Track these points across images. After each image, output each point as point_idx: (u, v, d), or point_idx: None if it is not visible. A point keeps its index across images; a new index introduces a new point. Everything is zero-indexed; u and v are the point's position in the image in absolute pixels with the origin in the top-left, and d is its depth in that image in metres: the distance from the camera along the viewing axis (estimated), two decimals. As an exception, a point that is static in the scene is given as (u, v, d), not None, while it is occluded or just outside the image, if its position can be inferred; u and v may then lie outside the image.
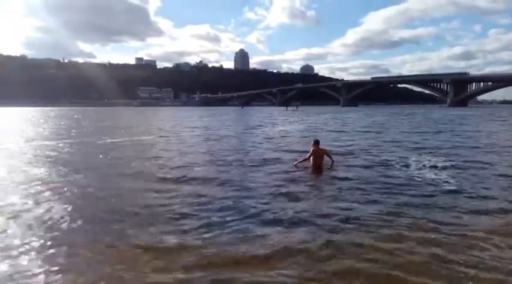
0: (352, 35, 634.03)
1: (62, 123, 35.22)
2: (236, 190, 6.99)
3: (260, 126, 29.02)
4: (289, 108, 79.03)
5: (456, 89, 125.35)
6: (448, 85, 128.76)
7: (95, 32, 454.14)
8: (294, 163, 9.34)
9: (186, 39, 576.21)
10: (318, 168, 8.87)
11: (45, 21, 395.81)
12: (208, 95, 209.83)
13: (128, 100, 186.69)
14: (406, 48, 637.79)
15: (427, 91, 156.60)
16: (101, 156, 11.88)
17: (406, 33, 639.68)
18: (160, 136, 19.39)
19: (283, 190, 6.97)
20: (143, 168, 9.58)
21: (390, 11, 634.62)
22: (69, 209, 5.80)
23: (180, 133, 22.25)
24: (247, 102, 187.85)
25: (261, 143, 15.74)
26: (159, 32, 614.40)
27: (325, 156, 9.29)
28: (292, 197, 6.48)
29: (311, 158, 9.06)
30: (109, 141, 16.79)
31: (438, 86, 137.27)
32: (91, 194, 6.85)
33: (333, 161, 9.35)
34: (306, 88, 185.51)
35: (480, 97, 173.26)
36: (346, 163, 9.95)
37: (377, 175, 8.39)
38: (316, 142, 9.14)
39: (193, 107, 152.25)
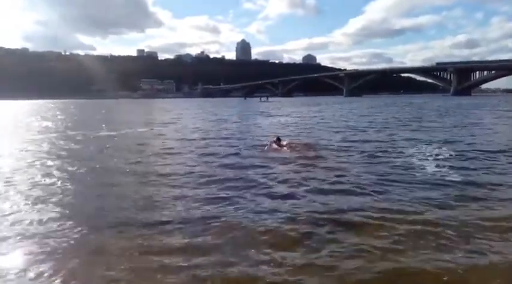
0: (353, 24, 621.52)
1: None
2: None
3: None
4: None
5: (459, 78, 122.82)
6: (452, 74, 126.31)
7: (94, 24, 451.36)
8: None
9: (186, 30, 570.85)
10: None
11: (44, 14, 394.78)
12: (210, 86, 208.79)
13: (129, 92, 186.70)
14: (409, 36, 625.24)
15: (430, 80, 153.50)
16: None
17: (407, 22, 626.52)
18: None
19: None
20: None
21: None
22: None
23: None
24: (249, 93, 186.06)
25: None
26: (158, 23, 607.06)
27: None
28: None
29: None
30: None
31: (442, 75, 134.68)
32: None
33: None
34: (308, 79, 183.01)
35: (484, 86, 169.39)
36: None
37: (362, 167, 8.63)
38: (278, 139, 10.80)
39: (194, 98, 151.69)
